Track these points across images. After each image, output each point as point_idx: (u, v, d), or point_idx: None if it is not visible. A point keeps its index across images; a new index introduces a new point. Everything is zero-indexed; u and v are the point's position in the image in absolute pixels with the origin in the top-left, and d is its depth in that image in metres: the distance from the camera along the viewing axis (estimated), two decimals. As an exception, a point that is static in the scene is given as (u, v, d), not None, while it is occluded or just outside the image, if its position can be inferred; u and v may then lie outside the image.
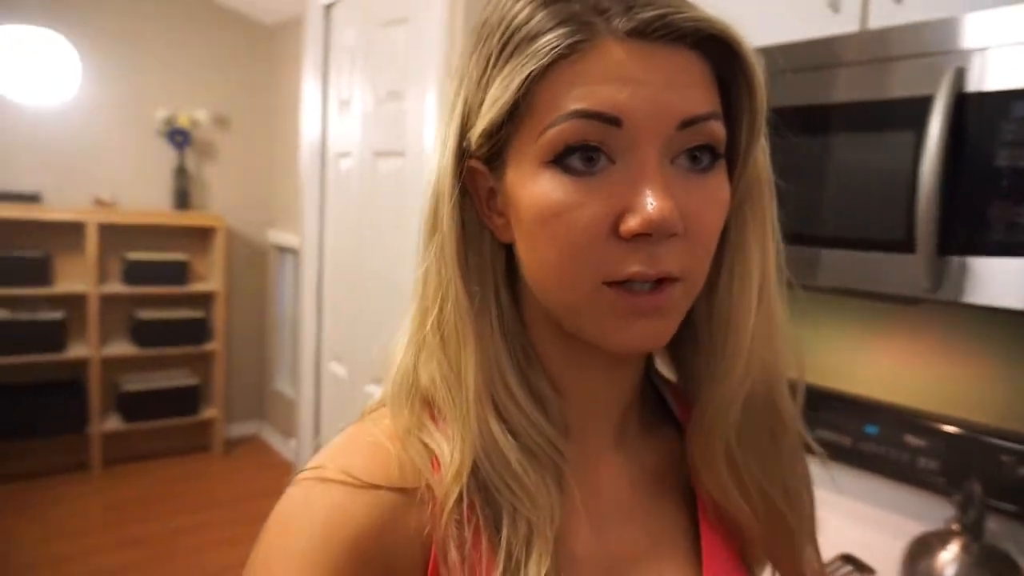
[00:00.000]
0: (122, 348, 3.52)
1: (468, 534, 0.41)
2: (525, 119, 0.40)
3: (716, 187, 0.41)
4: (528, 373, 0.45)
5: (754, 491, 0.49)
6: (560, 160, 0.39)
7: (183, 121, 3.60)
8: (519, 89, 0.39)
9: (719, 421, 0.46)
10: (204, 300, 3.74)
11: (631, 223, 0.37)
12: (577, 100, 0.38)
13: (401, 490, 0.42)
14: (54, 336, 3.30)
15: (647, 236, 0.38)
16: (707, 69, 0.40)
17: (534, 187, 0.40)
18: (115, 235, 3.49)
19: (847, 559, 1.09)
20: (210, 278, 3.78)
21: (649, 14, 0.37)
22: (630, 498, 0.50)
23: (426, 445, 0.43)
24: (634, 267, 0.38)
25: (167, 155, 3.65)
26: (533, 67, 0.38)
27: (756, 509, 0.49)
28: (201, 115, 3.66)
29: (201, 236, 3.78)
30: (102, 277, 3.44)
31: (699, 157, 0.40)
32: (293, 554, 0.39)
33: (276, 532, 0.41)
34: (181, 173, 3.68)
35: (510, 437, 0.43)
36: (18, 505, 3.08)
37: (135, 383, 3.54)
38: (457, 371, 0.43)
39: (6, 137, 3.27)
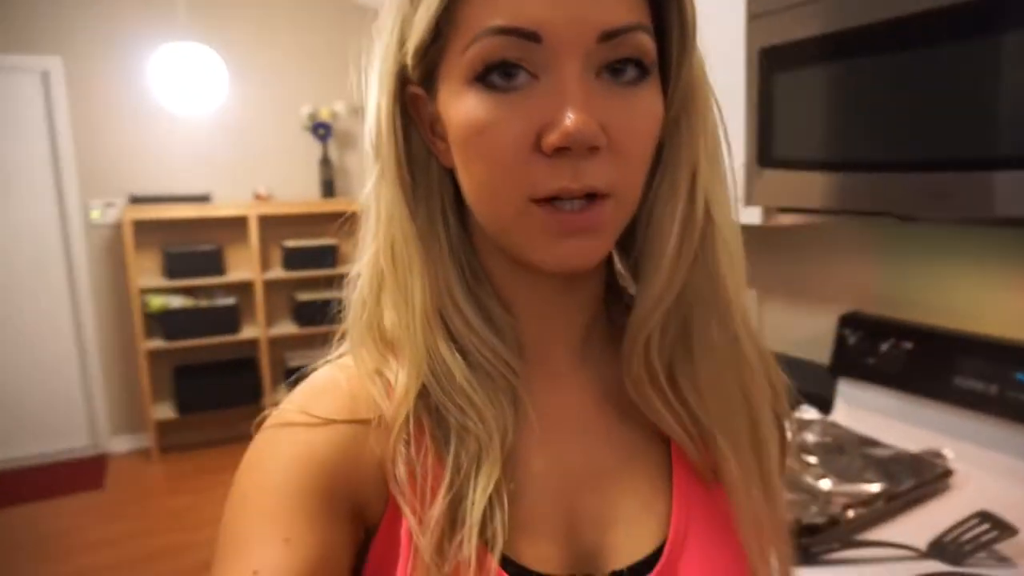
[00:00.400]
0: (286, 328, 3.88)
1: (415, 452, 0.42)
2: (450, 38, 0.40)
3: (645, 99, 0.40)
4: (478, 294, 0.46)
5: (687, 409, 0.46)
6: (483, 78, 0.39)
7: (324, 115, 3.86)
8: (440, 6, 0.39)
9: (638, 335, 0.45)
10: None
11: (550, 137, 0.37)
12: (495, 16, 0.37)
13: (358, 421, 0.44)
14: (230, 319, 3.71)
15: (568, 150, 0.38)
16: None
17: (460, 106, 0.40)
18: (273, 225, 3.84)
19: (985, 517, 0.98)
20: (357, 259, 4.04)
21: None
22: (595, 415, 0.49)
23: (382, 374, 0.45)
24: (560, 182, 0.38)
25: (313, 148, 3.95)
26: None
27: (688, 429, 0.47)
28: (339, 107, 3.91)
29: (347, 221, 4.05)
30: (265, 264, 3.80)
31: (624, 70, 0.39)
32: (266, 491, 0.42)
33: (249, 474, 0.44)
34: (326, 164, 3.96)
35: (459, 356, 0.44)
36: (207, 468, 3.53)
37: (299, 359, 3.90)
38: (405, 293, 0.44)
39: (176, 147, 3.70)
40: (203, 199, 3.72)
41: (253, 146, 3.87)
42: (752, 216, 1.35)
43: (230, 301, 3.73)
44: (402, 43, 0.42)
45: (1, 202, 3.44)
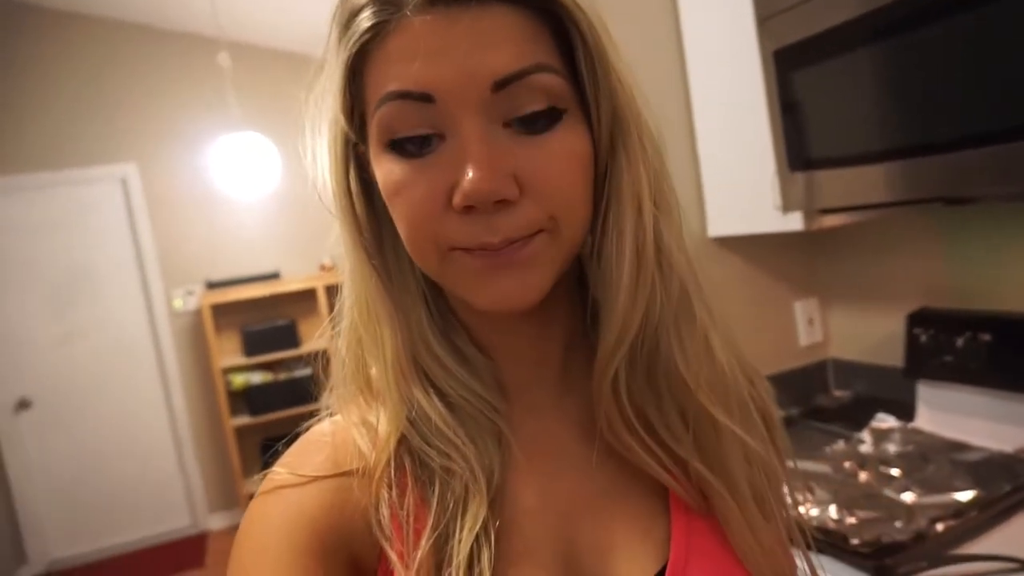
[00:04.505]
0: (362, 391, 3.96)
1: (398, 496, 0.42)
2: (363, 104, 0.41)
3: (561, 140, 0.39)
4: (453, 338, 0.46)
5: (665, 448, 0.45)
6: (395, 143, 0.39)
7: (377, 182, 4.00)
8: (344, 76, 0.40)
9: (603, 378, 0.43)
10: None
11: (456, 198, 0.38)
12: (389, 82, 0.38)
13: (343, 474, 0.44)
14: (309, 390, 3.80)
15: (475, 208, 0.38)
16: (528, 22, 0.38)
17: (380, 168, 0.41)
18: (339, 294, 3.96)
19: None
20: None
21: None
22: (581, 442, 0.47)
23: (368, 424, 0.45)
24: (479, 238, 0.38)
25: (370, 215, 4.07)
26: (348, 54, 0.39)
27: (670, 468, 0.45)
28: (390, 173, 4.04)
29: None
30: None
31: (535, 121, 0.39)
32: (262, 559, 0.42)
33: (244, 543, 0.44)
34: (383, 228, 4.09)
35: (437, 400, 0.44)
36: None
37: (378, 421, 3.96)
38: (377, 344, 0.45)
39: (244, 230, 3.91)
40: (273, 276, 3.89)
41: (314, 220, 4.01)
42: (794, 222, 1.29)
43: (308, 372, 3.84)
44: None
45: (92, 299, 3.69)
